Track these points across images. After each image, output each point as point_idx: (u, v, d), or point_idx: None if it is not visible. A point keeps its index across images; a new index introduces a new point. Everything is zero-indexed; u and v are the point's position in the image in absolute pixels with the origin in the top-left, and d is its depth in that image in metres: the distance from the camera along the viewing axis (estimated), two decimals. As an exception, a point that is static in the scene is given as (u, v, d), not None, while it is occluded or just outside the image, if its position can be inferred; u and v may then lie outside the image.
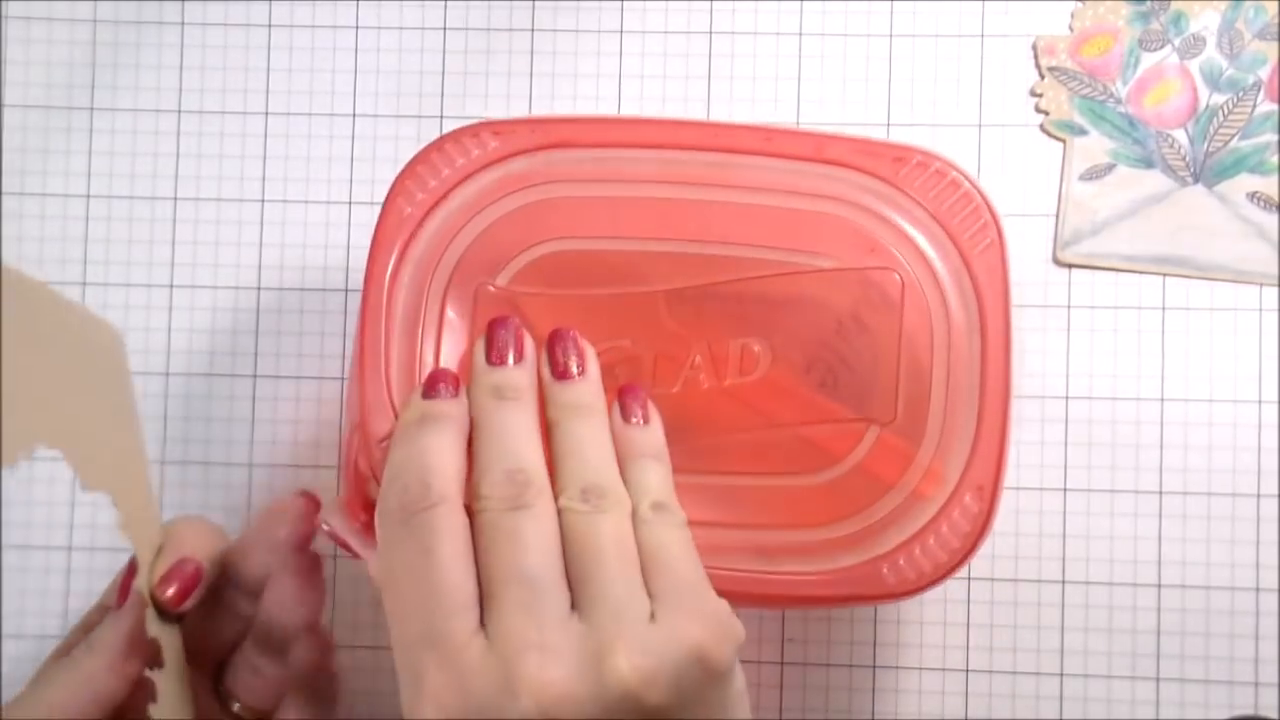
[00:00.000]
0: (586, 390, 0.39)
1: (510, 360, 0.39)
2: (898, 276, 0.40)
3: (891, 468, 0.40)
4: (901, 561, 0.39)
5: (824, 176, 0.41)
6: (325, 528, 0.40)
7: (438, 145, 0.41)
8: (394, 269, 0.41)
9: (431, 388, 0.38)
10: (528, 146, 0.41)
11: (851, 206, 0.41)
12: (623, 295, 0.41)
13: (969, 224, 0.41)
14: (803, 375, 0.40)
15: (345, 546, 0.40)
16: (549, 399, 0.39)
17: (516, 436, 0.37)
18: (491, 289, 0.41)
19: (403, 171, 0.41)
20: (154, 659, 0.40)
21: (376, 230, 0.41)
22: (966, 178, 0.41)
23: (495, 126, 0.42)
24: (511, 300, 0.41)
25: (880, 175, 0.41)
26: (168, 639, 0.40)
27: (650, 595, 0.35)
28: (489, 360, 0.39)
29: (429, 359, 0.41)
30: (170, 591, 0.40)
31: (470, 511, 0.36)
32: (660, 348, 0.41)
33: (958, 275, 0.41)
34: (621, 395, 0.39)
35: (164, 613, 0.40)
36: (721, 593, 0.36)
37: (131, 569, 0.40)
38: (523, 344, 0.39)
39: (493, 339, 0.39)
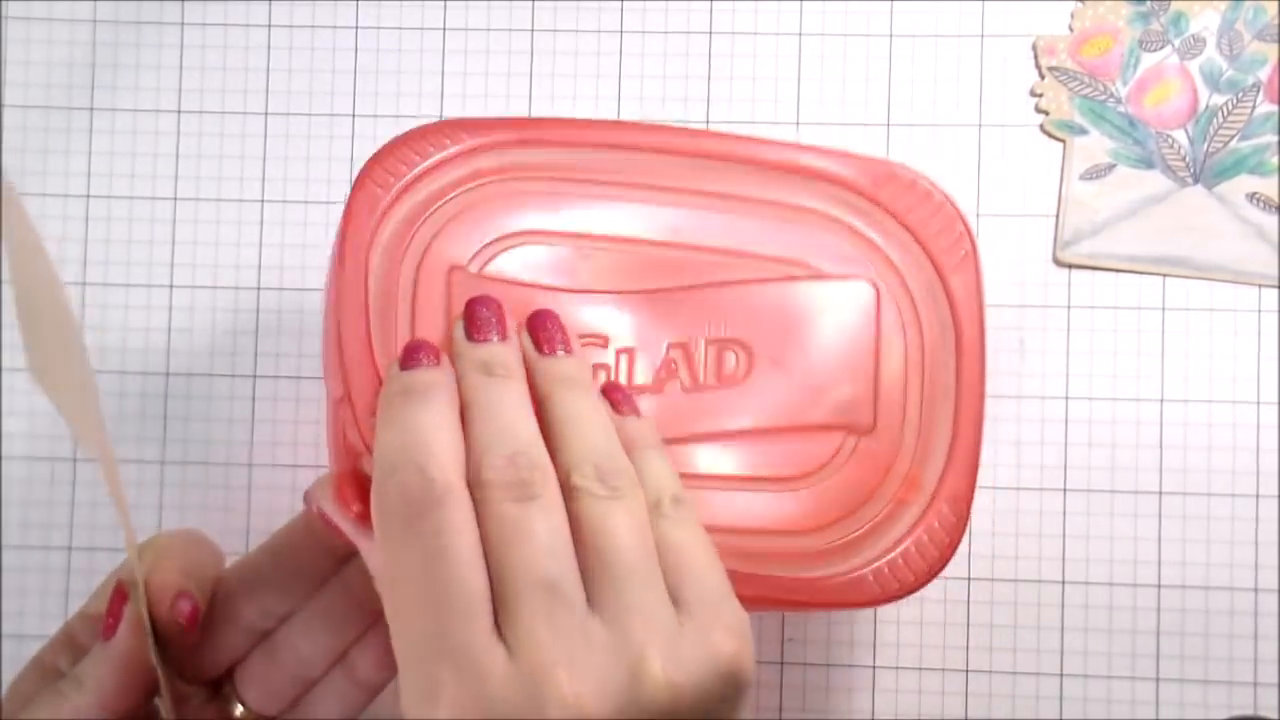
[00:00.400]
0: (578, 364, 0.37)
1: (494, 338, 0.37)
2: (873, 287, 0.41)
3: (871, 476, 0.40)
4: (886, 569, 0.39)
5: (801, 186, 0.41)
6: (315, 510, 0.37)
7: (405, 139, 0.40)
8: (366, 247, 0.38)
9: (411, 357, 0.36)
10: (501, 143, 0.40)
11: (828, 217, 0.41)
12: (596, 295, 0.40)
13: (944, 237, 0.41)
14: (780, 383, 0.40)
15: (336, 531, 0.37)
16: (538, 373, 0.36)
17: (511, 412, 0.35)
18: (464, 272, 0.39)
19: (370, 160, 0.39)
20: (154, 690, 0.37)
21: (346, 211, 0.39)
22: (941, 191, 0.42)
23: (467, 124, 0.40)
24: (484, 288, 0.39)
25: (856, 187, 0.41)
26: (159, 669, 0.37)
27: (675, 599, 0.33)
28: (471, 338, 0.37)
29: (405, 331, 0.38)
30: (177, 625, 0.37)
31: (471, 494, 0.33)
32: (633, 349, 0.40)
33: (932, 287, 0.41)
34: (607, 392, 0.38)
35: (161, 641, 0.37)
36: None
37: (120, 595, 0.38)
38: (505, 322, 0.37)
39: (474, 316, 0.37)
